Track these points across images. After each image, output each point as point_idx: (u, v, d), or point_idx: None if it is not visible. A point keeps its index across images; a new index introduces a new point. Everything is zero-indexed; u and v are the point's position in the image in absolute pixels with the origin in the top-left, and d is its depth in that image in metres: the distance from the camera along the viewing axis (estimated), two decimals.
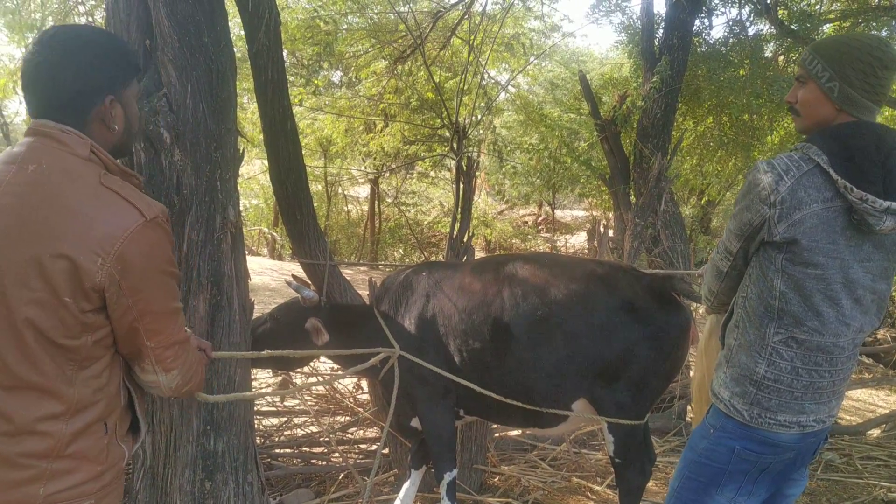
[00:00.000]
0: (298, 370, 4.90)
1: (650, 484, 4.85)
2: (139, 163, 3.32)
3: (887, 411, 6.74)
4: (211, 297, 3.43)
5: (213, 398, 2.66)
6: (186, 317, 3.35)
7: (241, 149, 3.69)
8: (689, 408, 6.15)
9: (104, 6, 4.14)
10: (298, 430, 5.78)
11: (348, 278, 4.66)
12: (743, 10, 8.21)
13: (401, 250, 21.31)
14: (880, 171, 1.99)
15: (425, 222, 21.47)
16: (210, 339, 3.42)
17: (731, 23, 8.36)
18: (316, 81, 11.49)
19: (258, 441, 5.22)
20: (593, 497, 4.73)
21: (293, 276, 4.20)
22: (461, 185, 4.85)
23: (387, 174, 17.02)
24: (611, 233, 7.74)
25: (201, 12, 3.28)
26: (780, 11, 8.20)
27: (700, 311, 7.25)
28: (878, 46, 2.06)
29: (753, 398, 2.20)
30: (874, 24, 8.92)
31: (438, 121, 9.15)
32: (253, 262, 16.56)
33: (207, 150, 3.38)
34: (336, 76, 13.49)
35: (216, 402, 3.48)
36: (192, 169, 3.34)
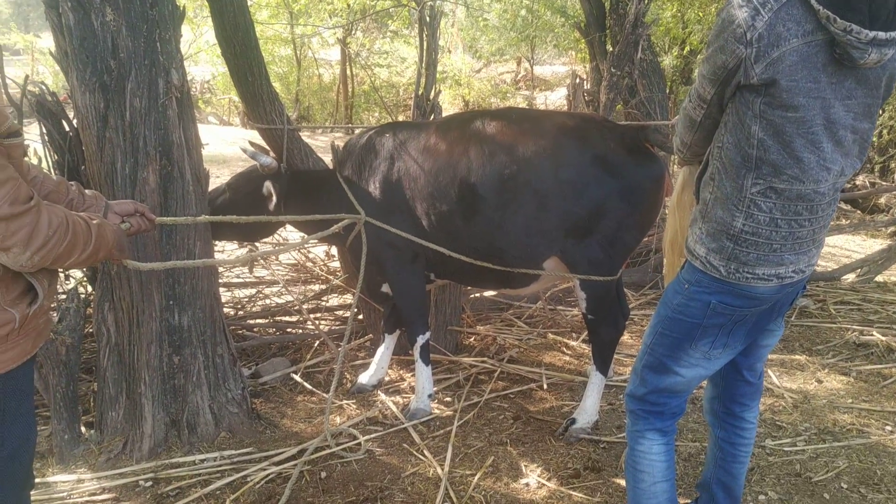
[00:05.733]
0: (264, 241, 4.79)
1: (625, 337, 4.89)
2: (68, 25, 3.05)
3: (863, 256, 6.76)
4: (161, 167, 3.26)
5: (146, 266, 2.53)
6: (136, 189, 3.19)
7: (182, 5, 3.39)
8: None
9: None
10: (271, 299, 5.72)
11: (322, 145, 4.46)
12: None
13: (376, 114, 20.77)
14: None
15: (400, 84, 20.81)
16: (163, 212, 3.28)
17: None
18: None
19: (231, 312, 5.18)
20: (569, 352, 4.76)
21: (250, 142, 4.00)
22: (424, 38, 4.56)
23: (355, 33, 16.30)
24: (587, 85, 7.45)
25: None
26: None
27: (676, 163, 7.12)
28: None
29: (731, 253, 2.11)
30: None
31: None
32: (224, 133, 16.15)
33: (142, 7, 3.11)
34: None
35: (176, 277, 3.38)
36: (127, 29, 3.09)
